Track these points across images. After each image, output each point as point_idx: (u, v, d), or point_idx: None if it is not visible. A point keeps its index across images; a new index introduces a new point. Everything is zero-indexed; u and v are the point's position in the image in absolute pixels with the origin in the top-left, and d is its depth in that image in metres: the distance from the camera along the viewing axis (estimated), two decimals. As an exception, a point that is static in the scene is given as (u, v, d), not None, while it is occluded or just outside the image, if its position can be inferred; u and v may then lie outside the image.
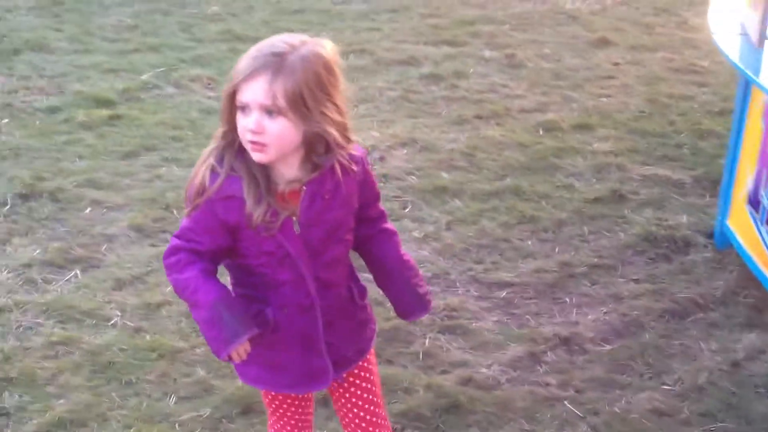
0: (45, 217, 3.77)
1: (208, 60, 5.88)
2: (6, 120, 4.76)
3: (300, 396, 1.98)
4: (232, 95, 1.67)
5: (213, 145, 1.74)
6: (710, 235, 3.63)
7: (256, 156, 1.68)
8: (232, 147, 1.71)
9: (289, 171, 1.73)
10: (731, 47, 3.15)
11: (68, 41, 6.18)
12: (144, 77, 5.51)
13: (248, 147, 1.68)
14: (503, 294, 3.29)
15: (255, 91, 1.64)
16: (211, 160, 1.72)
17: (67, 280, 3.35)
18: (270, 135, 1.65)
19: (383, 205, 1.97)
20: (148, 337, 3.01)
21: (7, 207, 3.83)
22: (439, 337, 3.04)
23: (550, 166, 4.31)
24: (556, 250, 3.58)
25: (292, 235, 1.75)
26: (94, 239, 3.63)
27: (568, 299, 3.27)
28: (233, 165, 1.70)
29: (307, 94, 1.64)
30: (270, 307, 1.81)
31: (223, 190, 1.70)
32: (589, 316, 3.17)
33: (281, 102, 1.63)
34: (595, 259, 3.50)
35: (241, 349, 1.75)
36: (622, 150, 4.49)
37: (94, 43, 6.21)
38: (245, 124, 1.66)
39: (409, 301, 1.94)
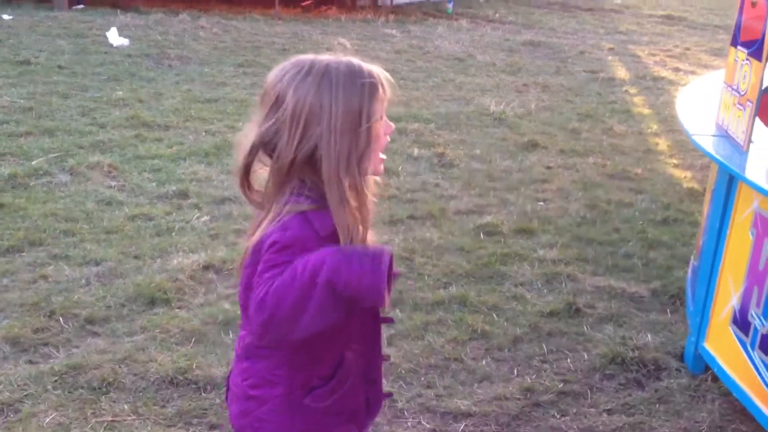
0: None
1: (110, 146, 5.30)
2: None
3: None
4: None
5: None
6: (681, 357, 3.24)
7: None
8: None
9: None
10: (712, 149, 2.84)
11: (-52, 120, 5.52)
12: (34, 163, 4.88)
13: (379, 165, 1.54)
14: (461, 427, 2.76)
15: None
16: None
17: None
18: None
19: None
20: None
21: None
22: (388, 483, 2.49)
23: (497, 274, 3.89)
24: (515, 372, 3.10)
25: None
26: (-45, 354, 2.95)
27: (534, 433, 2.78)
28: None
29: None
30: (347, 351, 1.61)
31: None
32: (562, 455, 2.68)
33: None
34: (561, 385, 3.03)
35: None
36: (570, 258, 4.12)
37: (-21, 123, 5.56)
38: (387, 129, 1.54)
39: None
